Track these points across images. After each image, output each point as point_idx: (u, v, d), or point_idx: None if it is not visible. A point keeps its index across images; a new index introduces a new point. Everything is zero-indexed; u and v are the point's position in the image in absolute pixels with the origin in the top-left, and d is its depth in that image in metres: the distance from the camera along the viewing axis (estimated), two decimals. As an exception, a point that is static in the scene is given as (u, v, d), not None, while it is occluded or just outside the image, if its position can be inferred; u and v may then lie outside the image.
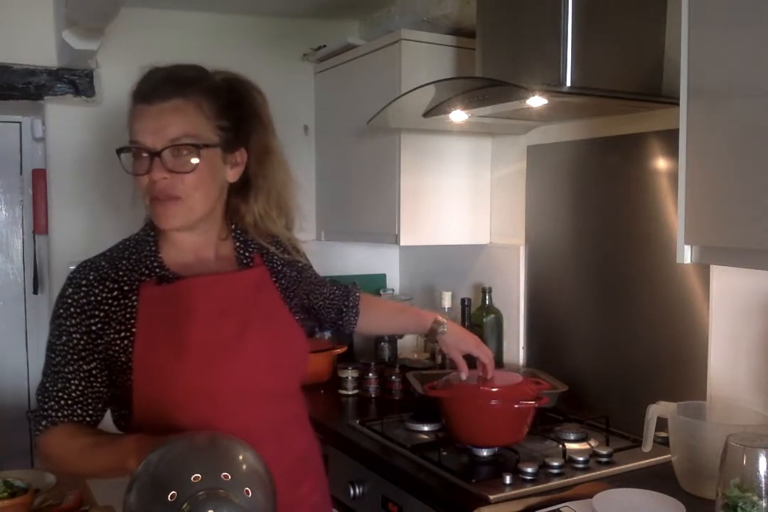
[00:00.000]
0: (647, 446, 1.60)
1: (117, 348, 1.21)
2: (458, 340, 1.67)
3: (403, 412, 2.02)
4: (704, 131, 1.31)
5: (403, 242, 2.31)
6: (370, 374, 2.28)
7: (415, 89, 1.86)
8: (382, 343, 2.48)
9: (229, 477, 0.96)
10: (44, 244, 2.60)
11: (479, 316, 2.30)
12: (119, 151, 1.25)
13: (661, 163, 1.84)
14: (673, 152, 1.52)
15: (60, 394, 1.23)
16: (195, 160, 1.20)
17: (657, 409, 1.56)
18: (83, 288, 1.22)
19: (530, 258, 2.29)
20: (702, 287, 1.74)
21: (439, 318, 1.68)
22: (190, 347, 1.20)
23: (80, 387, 1.23)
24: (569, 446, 1.70)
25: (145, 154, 1.20)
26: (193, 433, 1.07)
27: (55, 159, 2.47)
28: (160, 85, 1.23)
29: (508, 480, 1.53)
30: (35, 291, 2.69)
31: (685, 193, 1.34)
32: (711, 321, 1.72)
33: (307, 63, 2.75)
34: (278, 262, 1.41)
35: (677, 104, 1.35)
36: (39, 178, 2.60)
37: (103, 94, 2.47)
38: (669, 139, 1.68)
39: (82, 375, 1.22)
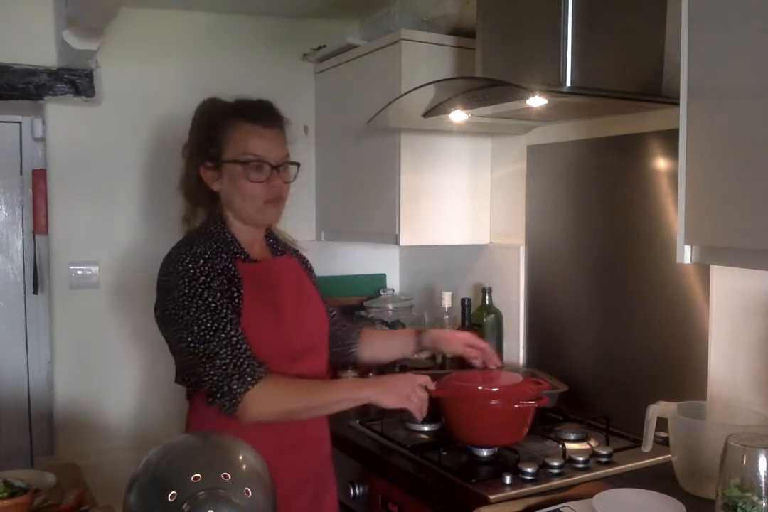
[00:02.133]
0: (647, 446, 1.60)
1: (231, 306, 1.47)
2: (453, 334, 1.82)
3: (403, 412, 2.01)
4: (704, 131, 1.31)
5: (403, 242, 2.31)
6: (370, 374, 2.27)
7: (415, 89, 1.86)
8: (382, 343, 2.47)
9: (229, 477, 0.96)
10: (44, 244, 2.60)
11: (479, 316, 2.30)
12: (245, 162, 1.51)
13: (661, 163, 1.84)
14: (673, 152, 1.52)
15: (243, 345, 1.42)
16: (294, 173, 1.60)
17: (657, 409, 1.56)
18: (209, 259, 1.48)
19: (530, 259, 2.29)
20: (702, 287, 1.74)
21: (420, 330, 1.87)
22: (283, 310, 1.55)
23: (241, 332, 1.45)
24: (569, 446, 1.70)
25: (265, 166, 1.53)
26: (193, 433, 1.08)
27: (55, 159, 2.47)
28: (269, 112, 1.57)
29: (508, 480, 1.53)
30: (35, 291, 2.69)
31: (685, 193, 1.34)
32: (711, 321, 1.72)
33: (307, 63, 2.75)
34: (297, 255, 1.75)
35: (677, 104, 1.35)
36: (39, 178, 2.60)
37: (103, 94, 2.47)
38: (669, 139, 1.68)
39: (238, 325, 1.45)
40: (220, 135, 1.53)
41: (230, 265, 1.51)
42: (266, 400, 1.40)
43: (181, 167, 1.62)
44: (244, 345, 1.42)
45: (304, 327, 1.59)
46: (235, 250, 1.55)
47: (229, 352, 1.39)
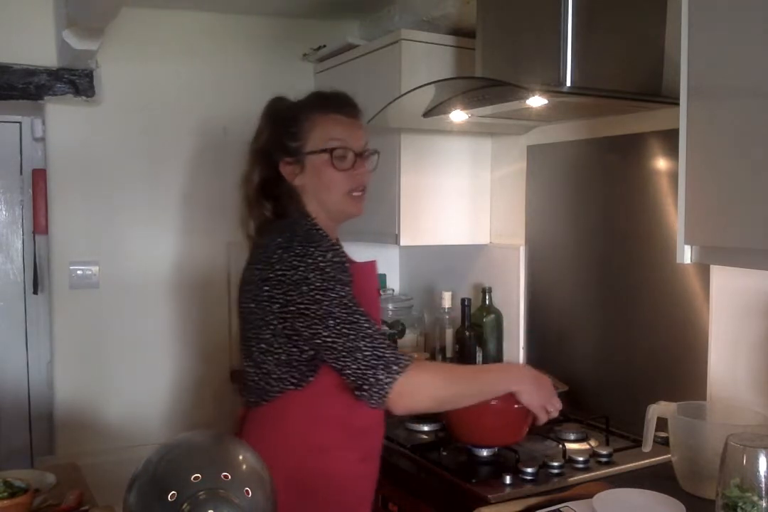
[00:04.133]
0: (647, 446, 1.60)
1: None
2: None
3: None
4: (704, 131, 1.31)
5: (403, 242, 2.31)
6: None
7: (415, 89, 1.86)
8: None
9: (229, 477, 0.96)
10: (44, 244, 2.60)
11: (479, 316, 2.30)
12: (330, 150, 1.48)
13: (661, 163, 1.84)
14: (673, 152, 1.52)
15: (380, 335, 1.36)
16: (375, 162, 1.58)
17: (657, 409, 1.56)
18: (334, 253, 1.41)
19: (530, 259, 2.29)
20: (702, 287, 1.74)
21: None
22: (376, 310, 1.52)
23: (374, 323, 1.39)
24: (569, 446, 1.70)
25: (350, 154, 1.50)
26: (193, 433, 1.07)
27: (55, 159, 2.47)
28: (349, 102, 1.54)
29: (508, 480, 1.53)
30: (35, 291, 2.69)
31: (685, 193, 1.34)
32: (711, 321, 1.72)
33: (307, 63, 2.76)
34: None
35: (677, 104, 1.35)
36: (39, 178, 2.60)
37: (103, 94, 2.47)
38: (669, 139, 1.68)
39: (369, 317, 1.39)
40: (303, 128, 1.50)
41: (345, 260, 1.45)
42: (417, 388, 1.34)
43: (250, 170, 1.56)
44: (381, 336, 1.36)
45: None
46: (337, 246, 1.50)
47: (368, 344, 1.33)
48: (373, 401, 1.32)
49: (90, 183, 2.50)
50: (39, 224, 2.63)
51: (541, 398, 1.46)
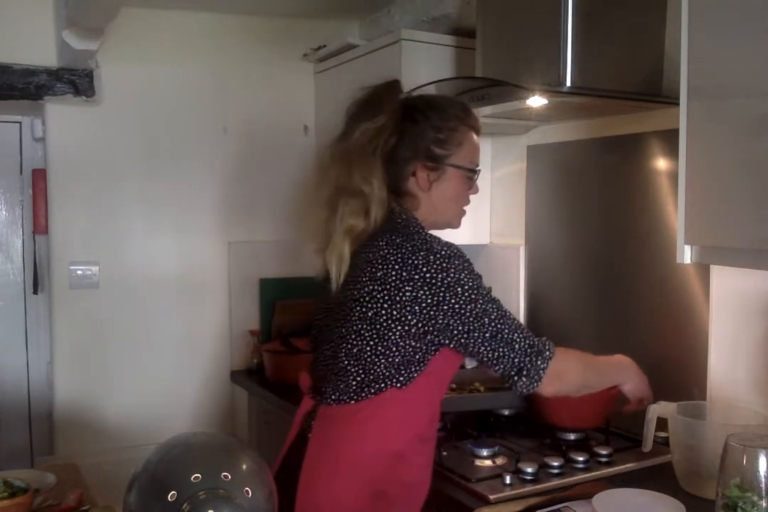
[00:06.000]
0: (647, 446, 1.60)
1: None
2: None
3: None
4: (704, 131, 1.31)
5: (403, 242, 2.31)
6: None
7: (415, 89, 1.86)
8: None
9: (229, 477, 0.96)
10: (44, 244, 2.60)
11: (479, 316, 2.30)
12: (473, 171, 1.54)
13: (661, 163, 1.84)
14: (673, 152, 1.52)
15: (523, 325, 1.42)
16: None
17: (657, 409, 1.56)
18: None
19: (530, 259, 2.29)
20: (702, 287, 1.74)
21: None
22: None
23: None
24: (569, 446, 1.70)
25: (476, 177, 1.56)
26: (193, 433, 1.08)
27: (55, 159, 2.47)
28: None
29: (508, 480, 1.53)
30: (35, 291, 2.69)
31: (685, 193, 1.34)
32: (711, 321, 1.72)
33: (307, 63, 2.76)
34: None
35: (677, 104, 1.35)
36: (39, 178, 2.60)
37: (103, 94, 2.47)
38: (669, 139, 1.68)
39: None
40: (453, 138, 1.49)
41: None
42: (565, 372, 1.43)
43: (371, 160, 1.44)
44: (523, 325, 1.43)
45: None
46: None
47: (521, 334, 1.39)
48: (527, 387, 1.39)
49: (90, 183, 2.50)
50: (39, 224, 2.63)
51: (642, 390, 1.58)
